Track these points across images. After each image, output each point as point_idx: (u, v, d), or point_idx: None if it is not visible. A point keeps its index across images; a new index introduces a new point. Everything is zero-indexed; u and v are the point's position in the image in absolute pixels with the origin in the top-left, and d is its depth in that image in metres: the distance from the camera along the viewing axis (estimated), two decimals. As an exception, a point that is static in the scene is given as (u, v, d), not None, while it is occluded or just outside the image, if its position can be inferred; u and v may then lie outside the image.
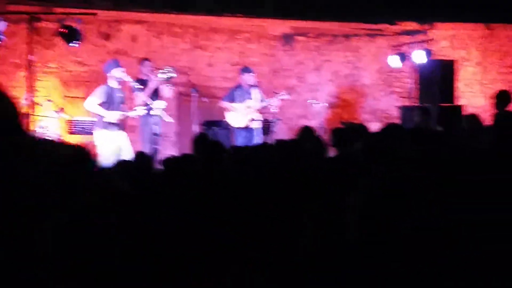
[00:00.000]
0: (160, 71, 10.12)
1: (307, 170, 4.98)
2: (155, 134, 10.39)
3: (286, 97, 11.40)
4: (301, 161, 5.04)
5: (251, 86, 11.26)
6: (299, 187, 4.28)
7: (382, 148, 5.57)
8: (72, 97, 11.96)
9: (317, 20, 12.45)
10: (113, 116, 9.69)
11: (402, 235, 2.04)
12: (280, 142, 5.91)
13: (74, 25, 9.92)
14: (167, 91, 10.29)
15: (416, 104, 12.55)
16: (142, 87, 10.07)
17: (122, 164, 4.84)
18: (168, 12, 11.38)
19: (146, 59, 10.64)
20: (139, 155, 5.59)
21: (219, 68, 13.32)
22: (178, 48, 13.06)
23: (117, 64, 9.96)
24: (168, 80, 10.23)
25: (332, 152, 6.62)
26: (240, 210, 4.20)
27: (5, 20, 10.04)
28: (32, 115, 9.90)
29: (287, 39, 13.83)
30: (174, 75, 10.30)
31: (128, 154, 9.76)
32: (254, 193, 4.36)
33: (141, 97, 10.08)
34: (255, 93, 11.30)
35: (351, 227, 2.11)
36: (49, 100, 11.07)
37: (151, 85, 10.24)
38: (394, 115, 13.56)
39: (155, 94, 10.25)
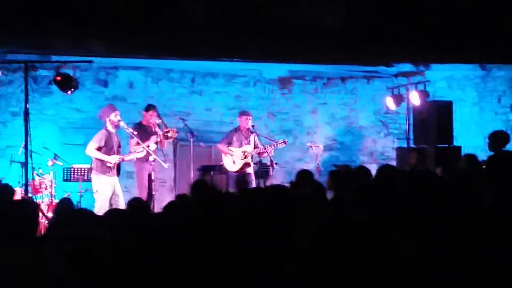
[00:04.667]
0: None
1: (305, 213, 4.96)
2: (152, 180, 10.41)
3: (283, 145, 11.41)
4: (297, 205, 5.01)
5: (249, 130, 11.27)
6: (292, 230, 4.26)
7: (376, 191, 5.55)
8: (69, 144, 11.96)
9: (313, 63, 12.50)
10: (112, 159, 9.78)
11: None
12: (275, 187, 5.88)
13: (69, 72, 9.97)
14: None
15: (412, 146, 12.56)
16: (136, 132, 10.15)
17: (114, 213, 4.82)
18: (165, 57, 11.43)
19: (152, 106, 10.72)
20: (135, 202, 5.56)
21: (217, 112, 13.35)
22: (175, 93, 13.11)
23: (114, 109, 10.06)
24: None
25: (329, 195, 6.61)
26: (240, 254, 4.17)
27: (2, 69, 10.12)
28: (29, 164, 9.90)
29: (283, 82, 13.88)
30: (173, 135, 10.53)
31: (121, 200, 9.82)
32: (254, 237, 4.33)
33: (138, 142, 10.14)
34: (252, 138, 11.30)
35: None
36: (45, 148, 11.07)
37: (153, 132, 10.36)
38: (391, 157, 13.56)
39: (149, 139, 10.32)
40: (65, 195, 10.37)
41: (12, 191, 6.92)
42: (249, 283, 3.91)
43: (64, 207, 5.81)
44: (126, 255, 3.34)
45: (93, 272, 2.62)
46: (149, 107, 10.71)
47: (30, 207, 4.61)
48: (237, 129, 11.35)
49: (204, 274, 4.00)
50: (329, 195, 6.61)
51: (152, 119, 10.54)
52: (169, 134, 10.52)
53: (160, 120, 10.58)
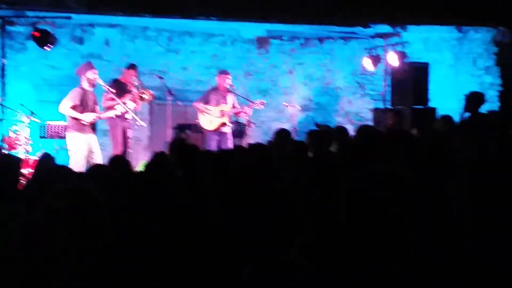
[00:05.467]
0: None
1: (289, 172, 4.99)
2: (127, 138, 10.38)
3: (261, 107, 11.38)
4: (281, 163, 5.03)
5: (227, 90, 11.24)
6: (283, 189, 4.29)
7: (358, 149, 5.59)
8: (44, 101, 11.84)
9: (291, 22, 12.45)
10: (88, 117, 9.68)
11: (385, 227, 2.06)
12: (255, 146, 5.89)
13: (47, 28, 9.86)
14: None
15: (389, 107, 12.63)
16: (115, 91, 10.05)
17: (96, 168, 4.80)
18: (142, 15, 11.32)
19: (133, 65, 10.63)
20: (116, 158, 5.53)
21: (193, 72, 13.28)
22: (152, 51, 13.01)
23: (91, 66, 9.94)
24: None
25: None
26: (224, 211, 4.19)
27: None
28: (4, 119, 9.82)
29: (261, 42, 13.82)
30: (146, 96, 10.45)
31: (98, 158, 9.75)
32: (235, 197, 4.35)
33: (113, 98, 10.06)
34: (230, 98, 11.28)
35: (340, 221, 2.12)
36: (21, 105, 10.96)
37: (129, 90, 10.29)
38: (367, 118, 13.62)
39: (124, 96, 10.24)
40: (42, 152, 10.34)
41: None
42: (233, 245, 3.95)
43: (46, 162, 5.77)
44: (114, 212, 3.36)
45: (89, 226, 2.61)
46: (130, 66, 10.64)
47: (13, 159, 4.59)
48: (215, 88, 11.32)
49: (190, 234, 4.02)
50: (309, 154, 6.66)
51: (131, 78, 10.47)
52: (144, 96, 10.45)
53: (139, 81, 10.51)
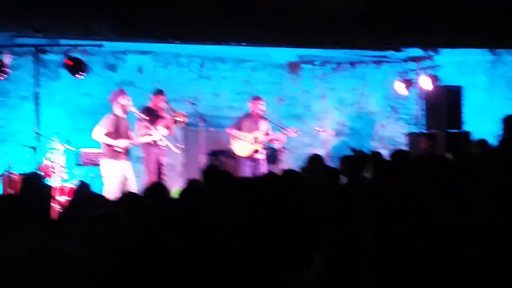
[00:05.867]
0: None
1: (319, 198, 4.94)
2: (161, 164, 10.39)
3: (294, 135, 11.34)
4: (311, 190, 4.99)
5: (260, 116, 11.22)
6: (312, 215, 4.24)
7: (392, 173, 5.53)
8: (79, 128, 11.93)
9: (322, 47, 12.44)
10: (121, 144, 9.71)
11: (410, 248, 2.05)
12: (288, 172, 5.85)
13: (79, 57, 9.96)
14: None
15: (423, 131, 12.52)
16: (147, 118, 10.09)
17: (129, 197, 4.79)
18: (173, 42, 11.38)
19: (160, 91, 10.65)
20: (152, 186, 5.52)
21: (225, 97, 13.30)
22: (184, 78, 13.07)
23: (123, 93, 10.01)
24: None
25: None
26: (254, 239, 4.15)
27: (10, 53, 10.06)
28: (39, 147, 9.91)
29: (292, 67, 13.82)
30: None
31: (133, 184, 9.76)
32: (267, 221, 4.31)
33: (147, 126, 10.08)
34: (263, 125, 11.25)
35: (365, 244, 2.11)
36: (55, 132, 11.04)
37: (160, 116, 10.31)
38: (401, 142, 13.52)
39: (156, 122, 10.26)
40: (78, 180, 10.40)
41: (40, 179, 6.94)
42: (262, 267, 3.91)
43: (82, 190, 5.80)
44: (143, 240, 3.35)
45: (115, 253, 2.60)
46: (158, 91, 10.66)
47: (45, 186, 4.63)
48: (247, 114, 11.31)
49: (221, 260, 3.99)
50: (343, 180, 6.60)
51: (160, 103, 10.49)
52: (179, 118, 10.47)
53: (167, 105, 10.54)
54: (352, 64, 14.15)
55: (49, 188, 4.93)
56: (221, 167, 10.18)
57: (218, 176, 6.02)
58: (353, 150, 10.26)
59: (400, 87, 13.07)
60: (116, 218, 2.71)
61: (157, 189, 5.38)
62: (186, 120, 10.74)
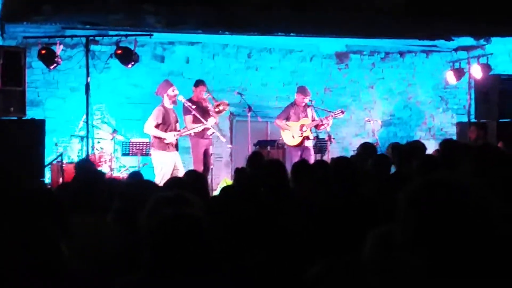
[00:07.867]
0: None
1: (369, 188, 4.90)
2: (208, 155, 10.42)
3: (340, 115, 11.29)
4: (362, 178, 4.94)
5: (306, 105, 11.19)
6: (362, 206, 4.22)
7: (439, 165, 5.45)
8: (127, 119, 12.05)
9: (371, 37, 12.32)
10: (169, 137, 9.78)
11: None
12: (339, 160, 5.80)
13: (129, 46, 10.05)
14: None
15: (473, 120, 12.32)
16: (194, 106, 10.12)
17: (174, 181, 4.79)
18: (221, 33, 11.39)
19: (201, 81, 10.67)
20: (191, 173, 5.52)
21: (272, 88, 13.28)
22: (231, 68, 13.08)
23: (170, 84, 10.06)
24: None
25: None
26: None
27: (61, 44, 10.19)
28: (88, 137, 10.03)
29: (340, 57, 13.73)
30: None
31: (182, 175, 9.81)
32: (319, 212, 4.30)
33: (195, 116, 10.11)
34: (310, 112, 11.21)
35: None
36: (105, 122, 11.18)
37: (204, 107, 10.33)
38: (450, 132, 13.35)
39: (206, 114, 10.28)
40: (124, 169, 10.54)
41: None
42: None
43: (135, 177, 5.87)
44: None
45: (193, 236, 2.66)
46: (198, 82, 10.66)
47: (100, 173, 4.73)
48: (293, 104, 11.27)
49: (276, 250, 3.99)
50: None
51: (201, 94, 10.49)
52: (220, 107, 10.44)
53: (209, 94, 10.54)
54: (401, 53, 14.01)
55: (103, 174, 5.00)
56: (268, 156, 10.19)
57: (267, 163, 5.99)
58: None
59: (450, 77, 12.89)
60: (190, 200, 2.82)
61: (194, 175, 5.40)
62: (228, 108, 10.74)
